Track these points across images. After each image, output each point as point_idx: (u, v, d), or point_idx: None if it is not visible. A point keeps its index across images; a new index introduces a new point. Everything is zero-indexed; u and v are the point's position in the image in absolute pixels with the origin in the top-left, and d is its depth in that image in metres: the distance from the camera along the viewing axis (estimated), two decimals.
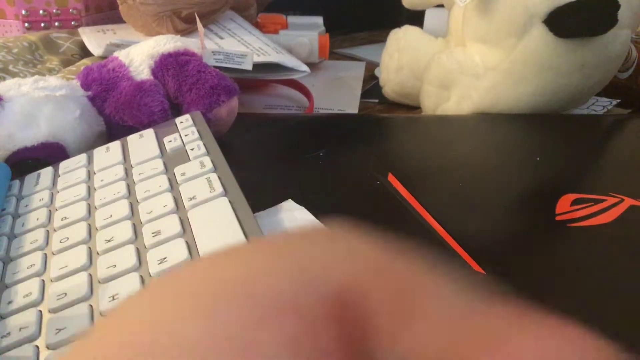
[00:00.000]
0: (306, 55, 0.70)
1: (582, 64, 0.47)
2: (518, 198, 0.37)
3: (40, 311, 0.25)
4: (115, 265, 0.26)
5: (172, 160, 0.35)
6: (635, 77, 0.57)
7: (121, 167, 0.36)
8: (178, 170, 0.34)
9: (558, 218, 0.33)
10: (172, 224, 0.28)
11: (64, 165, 0.38)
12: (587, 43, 0.46)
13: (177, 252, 0.26)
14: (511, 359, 0.08)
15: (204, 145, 0.36)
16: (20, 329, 0.24)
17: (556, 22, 0.45)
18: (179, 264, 0.25)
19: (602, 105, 0.57)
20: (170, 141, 0.37)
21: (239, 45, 0.61)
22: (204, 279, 0.10)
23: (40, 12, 0.67)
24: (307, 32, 0.72)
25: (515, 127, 0.48)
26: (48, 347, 0.23)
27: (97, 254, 0.28)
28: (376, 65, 0.70)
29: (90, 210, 0.32)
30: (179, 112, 0.44)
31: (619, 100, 0.57)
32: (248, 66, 0.52)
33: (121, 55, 0.46)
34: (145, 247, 0.27)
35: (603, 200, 0.35)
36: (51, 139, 0.40)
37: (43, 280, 0.27)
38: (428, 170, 0.40)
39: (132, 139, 0.39)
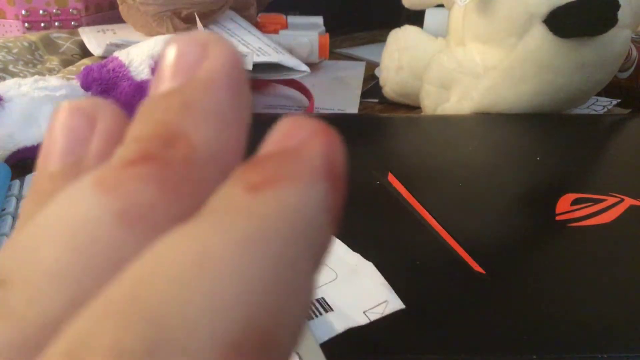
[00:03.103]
0: (306, 55, 0.70)
1: (582, 64, 0.47)
2: (518, 198, 0.37)
3: None
4: None
5: None
6: (636, 77, 0.57)
7: None
8: None
9: (558, 218, 0.33)
10: None
11: None
12: (587, 43, 0.46)
13: None
14: None
15: None
16: None
17: (556, 22, 0.45)
18: None
19: (602, 105, 0.57)
20: None
21: (239, 45, 0.61)
22: None
23: (40, 12, 0.67)
24: (307, 32, 0.72)
25: (515, 127, 0.48)
26: None
27: None
28: (376, 65, 0.70)
29: None
30: None
31: (619, 100, 0.57)
32: (248, 66, 0.52)
33: (121, 55, 0.46)
34: None
35: (603, 200, 0.35)
36: None
37: None
38: (428, 170, 0.40)
39: None
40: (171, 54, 0.10)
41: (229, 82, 0.10)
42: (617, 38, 0.47)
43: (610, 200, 0.35)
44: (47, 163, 0.11)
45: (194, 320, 0.07)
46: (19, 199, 0.35)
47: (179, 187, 0.09)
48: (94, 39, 0.62)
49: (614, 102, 0.57)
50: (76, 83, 0.44)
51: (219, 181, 0.09)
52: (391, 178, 0.37)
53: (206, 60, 0.10)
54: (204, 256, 0.07)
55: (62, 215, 0.09)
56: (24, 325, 0.08)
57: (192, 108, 0.09)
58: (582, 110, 0.56)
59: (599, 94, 0.55)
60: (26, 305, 0.08)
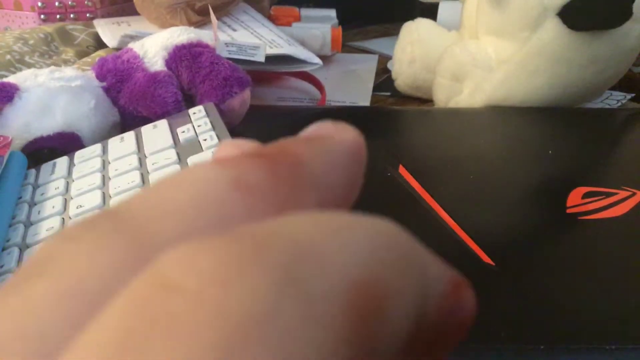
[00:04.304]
0: (319, 48, 0.70)
1: (596, 58, 0.47)
2: (529, 191, 0.37)
3: None
4: None
5: (185, 150, 0.36)
6: None
7: (135, 156, 0.36)
8: (191, 160, 0.34)
9: (569, 211, 0.33)
10: None
11: (79, 154, 0.39)
12: (602, 36, 0.46)
13: None
14: None
15: (217, 136, 0.36)
16: None
17: (570, 15, 0.45)
18: None
19: (616, 99, 0.56)
20: (184, 132, 0.38)
21: (252, 37, 0.61)
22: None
23: (56, 4, 0.68)
24: (320, 24, 0.72)
25: (527, 121, 0.48)
26: None
27: None
28: (389, 58, 0.70)
29: (105, 199, 0.32)
30: (192, 103, 0.44)
31: (633, 95, 0.57)
32: (260, 58, 0.52)
33: (135, 46, 0.46)
34: None
35: (615, 194, 0.35)
36: (66, 129, 0.41)
37: None
38: (439, 163, 0.40)
39: (146, 129, 0.40)
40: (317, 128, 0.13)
41: (348, 148, 0.12)
42: (632, 32, 0.47)
43: (622, 194, 0.34)
44: None
45: (331, 260, 0.08)
46: (35, 187, 0.36)
47: (282, 179, 0.11)
48: (109, 30, 0.62)
49: (629, 96, 0.57)
50: (91, 74, 0.45)
51: (315, 207, 0.11)
52: (402, 170, 0.37)
53: (340, 135, 0.12)
54: (333, 225, 0.09)
55: (186, 175, 0.11)
56: (138, 243, 0.09)
57: (312, 147, 0.12)
58: (595, 104, 0.55)
59: (613, 88, 0.55)
60: (138, 229, 0.09)
